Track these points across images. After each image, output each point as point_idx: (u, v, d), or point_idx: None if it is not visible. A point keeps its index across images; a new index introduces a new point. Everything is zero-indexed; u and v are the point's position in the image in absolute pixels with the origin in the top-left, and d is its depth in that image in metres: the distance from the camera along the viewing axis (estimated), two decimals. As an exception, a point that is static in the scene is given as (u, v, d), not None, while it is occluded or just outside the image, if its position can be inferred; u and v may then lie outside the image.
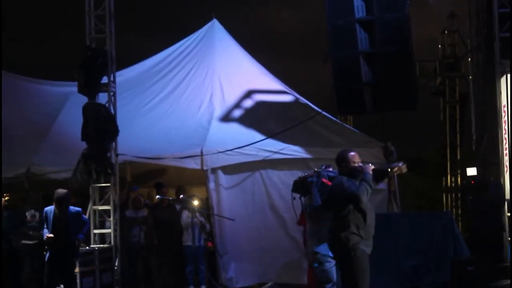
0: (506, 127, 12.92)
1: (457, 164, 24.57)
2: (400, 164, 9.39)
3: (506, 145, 12.98)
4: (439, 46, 24.80)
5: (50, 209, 13.20)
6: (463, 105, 23.89)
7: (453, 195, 24.68)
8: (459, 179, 24.59)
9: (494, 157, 14.40)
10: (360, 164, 9.11)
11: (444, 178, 25.33)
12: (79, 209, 13.77)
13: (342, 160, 9.26)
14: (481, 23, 16.58)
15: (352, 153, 9.25)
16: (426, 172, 30.36)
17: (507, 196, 13.22)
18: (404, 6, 12.36)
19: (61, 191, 13.26)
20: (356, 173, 8.98)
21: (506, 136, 12.93)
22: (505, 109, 12.93)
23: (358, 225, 8.80)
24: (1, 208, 14.83)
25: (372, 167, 9.04)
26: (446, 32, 24.72)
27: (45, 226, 13.25)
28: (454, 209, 24.16)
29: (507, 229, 13.11)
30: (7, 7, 16.87)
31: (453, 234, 14.13)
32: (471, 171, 15.39)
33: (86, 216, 14.63)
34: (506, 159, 12.97)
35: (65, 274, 13.20)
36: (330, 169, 10.52)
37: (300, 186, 10.64)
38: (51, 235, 12.94)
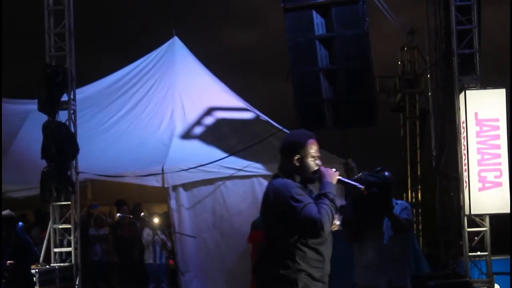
0: (465, 143, 13.03)
1: (418, 180, 24.71)
2: (360, 187, 6.02)
3: (465, 161, 13.09)
4: (399, 62, 24.97)
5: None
6: (423, 121, 24.04)
7: (414, 210, 24.80)
8: (419, 194, 24.73)
9: (454, 172, 14.50)
10: (320, 163, 5.77)
11: (404, 194, 25.47)
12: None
13: (292, 149, 5.74)
14: (439, 39, 16.72)
15: (313, 140, 5.77)
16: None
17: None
18: (363, 23, 12.48)
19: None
20: (312, 178, 5.75)
21: (465, 152, 13.05)
22: (464, 125, 13.05)
23: (308, 261, 5.63)
24: None
25: (337, 174, 5.74)
26: (405, 48, 24.91)
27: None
28: (415, 225, 24.27)
29: (466, 243, 13.20)
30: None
31: (414, 249, 14.22)
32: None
33: (46, 235, 14.54)
34: (466, 174, 13.07)
35: None
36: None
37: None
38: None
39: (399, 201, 8.34)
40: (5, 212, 12.24)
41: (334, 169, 5.75)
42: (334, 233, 5.81)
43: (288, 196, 5.49)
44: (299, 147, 5.70)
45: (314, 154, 5.72)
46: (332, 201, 5.51)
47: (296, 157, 5.68)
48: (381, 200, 7.84)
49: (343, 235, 7.99)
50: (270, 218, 5.71)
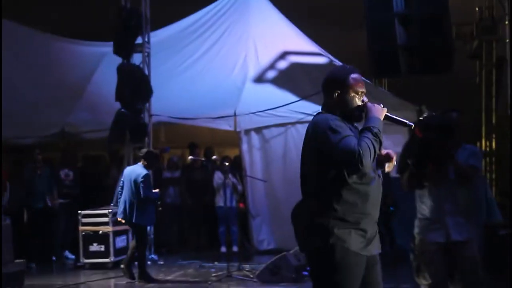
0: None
1: (492, 128, 24.36)
2: (410, 124, 5.59)
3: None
4: (476, 8, 24.48)
5: (148, 171, 12.58)
6: (500, 69, 23.63)
7: (488, 159, 24.50)
8: (494, 143, 24.40)
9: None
10: (365, 100, 5.42)
11: (478, 143, 25.14)
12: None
13: (331, 84, 5.43)
14: (519, -15, 16.36)
15: (356, 76, 5.42)
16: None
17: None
18: (440, -32, 12.23)
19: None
20: (356, 114, 5.39)
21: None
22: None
23: (346, 205, 5.18)
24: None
25: (385, 110, 5.36)
26: (483, -6, 24.42)
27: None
28: (488, 174, 24.00)
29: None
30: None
31: (487, 198, 14.07)
32: None
33: (120, 177, 14.79)
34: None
35: None
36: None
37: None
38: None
39: (468, 146, 7.61)
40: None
41: (381, 105, 5.36)
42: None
43: (326, 127, 5.15)
44: (339, 82, 5.37)
45: (358, 90, 5.36)
46: (375, 135, 5.12)
47: (336, 93, 5.36)
48: (440, 144, 7.13)
49: (401, 183, 7.42)
50: (307, 154, 5.39)
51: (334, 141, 5.09)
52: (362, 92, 5.38)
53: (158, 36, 17.51)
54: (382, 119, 5.28)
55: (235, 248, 15.53)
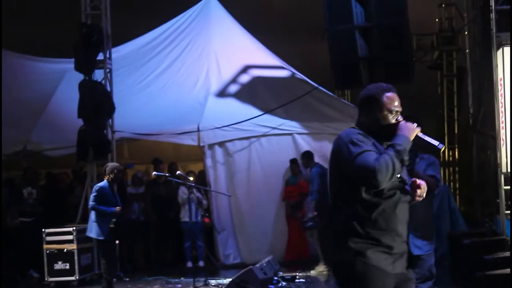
0: (503, 101, 12.88)
1: (455, 138, 24.56)
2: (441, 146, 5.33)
3: (502, 119, 12.95)
4: (436, 19, 24.71)
5: (104, 184, 12.34)
6: (460, 79, 23.86)
7: (451, 169, 24.68)
8: (456, 153, 24.59)
9: (491, 130, 14.39)
10: (400, 118, 5.29)
11: (441, 153, 25.32)
12: None
13: (369, 102, 5.31)
14: (477, -5, 16.54)
15: (391, 94, 5.27)
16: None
17: (509, 169, 13.16)
18: (399, -21, 12.33)
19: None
20: (387, 133, 5.21)
21: (503, 109, 12.90)
22: (501, 82, 12.89)
23: (365, 221, 5.08)
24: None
25: (418, 130, 5.22)
26: (443, 5, 24.63)
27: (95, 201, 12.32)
28: (451, 183, 24.19)
29: (503, 201, 13.10)
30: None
31: (450, 208, 14.20)
32: None
33: (83, 194, 14.69)
34: (503, 132, 12.94)
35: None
36: None
37: None
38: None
39: (425, 156, 7.48)
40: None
41: (415, 124, 5.22)
42: None
43: (347, 141, 5.07)
44: (372, 100, 5.25)
45: (392, 109, 5.22)
46: (398, 152, 4.97)
47: (368, 111, 5.25)
48: None
49: None
50: (331, 168, 5.28)
51: (352, 155, 5.01)
52: (396, 111, 5.26)
53: (119, 52, 17.47)
54: (411, 139, 5.14)
55: (201, 263, 15.47)
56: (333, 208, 5.26)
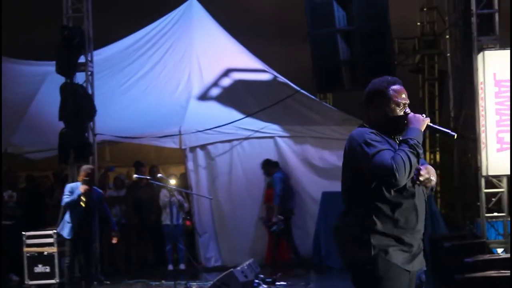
0: (483, 104, 12.94)
1: (436, 142, 24.65)
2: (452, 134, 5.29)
3: (483, 122, 13.00)
4: (418, 23, 24.80)
5: (76, 185, 12.27)
6: (442, 83, 23.95)
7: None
8: (437, 156, 24.69)
9: (472, 133, 14.45)
10: (408, 110, 5.18)
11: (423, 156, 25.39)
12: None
13: (375, 96, 5.25)
14: (458, -1, 16.61)
15: (397, 87, 5.21)
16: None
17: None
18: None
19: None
20: (397, 126, 5.18)
21: (483, 113, 12.95)
22: (482, 85, 12.95)
23: (386, 219, 5.05)
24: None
25: (427, 120, 5.14)
26: (424, 9, 24.73)
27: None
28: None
29: (483, 204, 13.16)
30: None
31: (431, 211, 14.23)
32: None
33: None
34: (483, 136, 12.99)
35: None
36: None
37: None
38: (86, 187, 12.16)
39: None
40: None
41: (424, 115, 5.12)
42: None
43: (361, 142, 5.00)
44: (378, 93, 5.19)
45: (399, 101, 5.14)
46: (412, 147, 4.90)
47: (375, 105, 5.20)
48: None
49: None
50: (345, 168, 5.21)
51: (368, 155, 4.94)
52: (404, 104, 5.17)
53: (101, 55, 17.42)
54: (422, 130, 5.08)
55: (182, 266, 15.48)
56: (350, 205, 5.20)
